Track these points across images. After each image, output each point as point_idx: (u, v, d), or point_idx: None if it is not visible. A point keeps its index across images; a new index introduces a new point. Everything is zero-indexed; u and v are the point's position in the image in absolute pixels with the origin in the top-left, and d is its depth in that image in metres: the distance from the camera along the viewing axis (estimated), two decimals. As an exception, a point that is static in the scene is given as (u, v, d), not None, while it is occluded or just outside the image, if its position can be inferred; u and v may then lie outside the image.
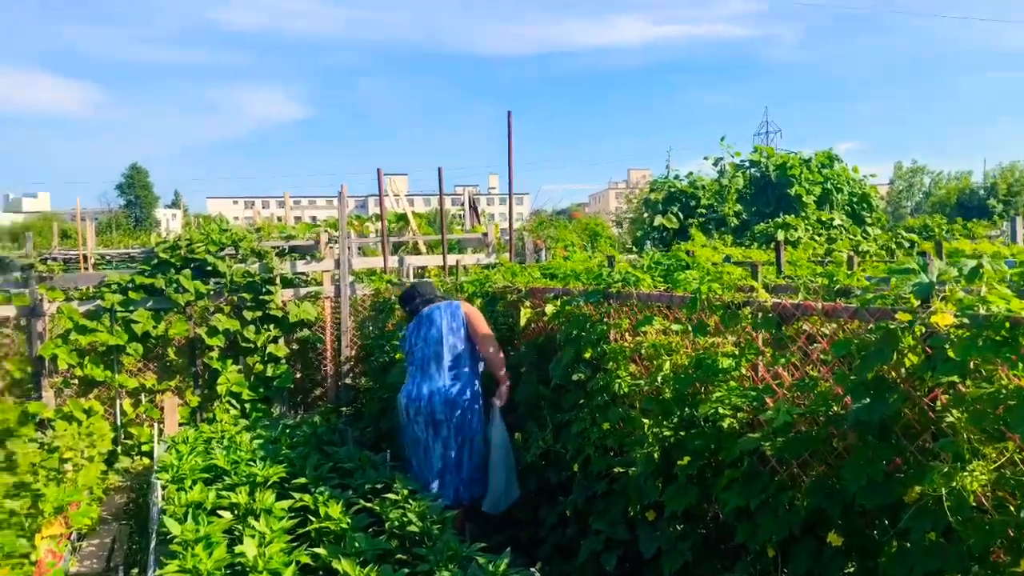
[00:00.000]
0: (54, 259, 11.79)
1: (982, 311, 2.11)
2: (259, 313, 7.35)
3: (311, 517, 3.93)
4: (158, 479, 4.55)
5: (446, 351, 4.82)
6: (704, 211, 15.77)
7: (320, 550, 3.46)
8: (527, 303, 4.83)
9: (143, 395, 7.18)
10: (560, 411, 4.30)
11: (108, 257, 12.40)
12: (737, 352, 3.17)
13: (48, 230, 20.94)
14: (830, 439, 2.67)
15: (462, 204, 14.30)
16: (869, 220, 15.74)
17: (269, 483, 4.35)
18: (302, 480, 4.34)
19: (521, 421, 4.66)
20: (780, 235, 13.13)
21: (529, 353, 4.73)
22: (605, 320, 4.05)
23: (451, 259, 7.93)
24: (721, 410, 3.07)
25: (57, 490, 4.62)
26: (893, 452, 2.37)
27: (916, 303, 2.33)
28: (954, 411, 2.16)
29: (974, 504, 2.09)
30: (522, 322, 4.76)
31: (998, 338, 2.04)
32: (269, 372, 7.33)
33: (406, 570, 3.26)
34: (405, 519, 3.86)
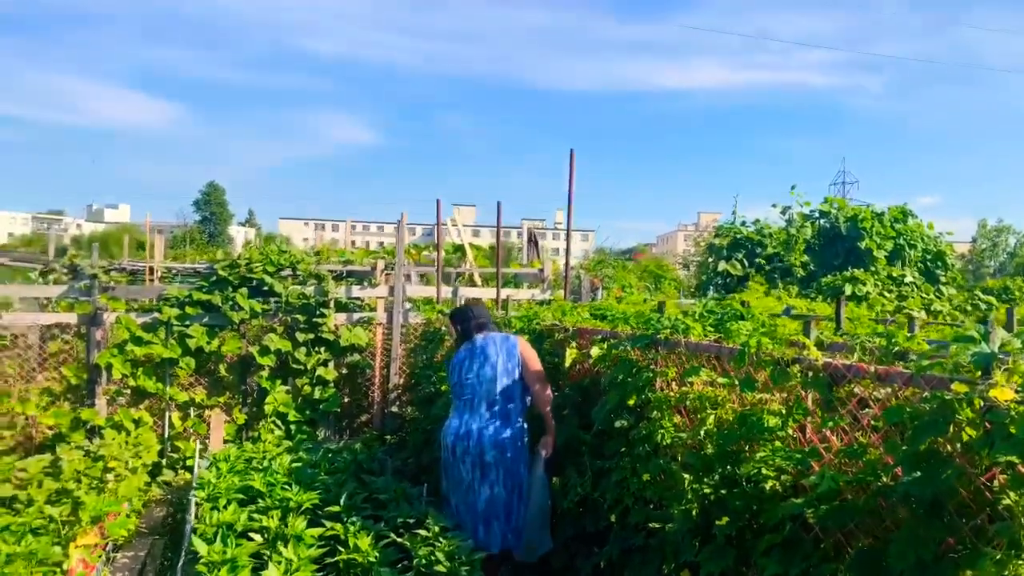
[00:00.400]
0: (123, 270, 12.18)
1: (1049, 387, 1.95)
2: (311, 335, 7.41)
3: (340, 547, 3.87)
4: (194, 496, 4.57)
5: (499, 391, 4.61)
6: (767, 259, 15.45)
7: (342, 583, 3.40)
8: (573, 343, 4.73)
9: (192, 409, 7.28)
10: (600, 457, 4.17)
11: (175, 271, 12.72)
12: (784, 411, 3.02)
13: (130, 241, 21.65)
14: (878, 511, 2.50)
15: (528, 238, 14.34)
16: (944, 279, 15.21)
17: (302, 509, 4.32)
18: (335, 508, 4.30)
19: (560, 464, 4.54)
20: (848, 289, 12.76)
21: (573, 395, 4.62)
22: (652, 367, 3.93)
23: (504, 293, 7.89)
24: (764, 470, 2.92)
25: (97, 499, 4.66)
26: (945, 531, 2.19)
27: (977, 373, 2.17)
28: (1012, 493, 1.99)
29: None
30: (567, 363, 4.66)
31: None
32: (317, 395, 7.36)
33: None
34: (433, 558, 3.78)
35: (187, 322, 7.17)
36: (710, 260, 17.08)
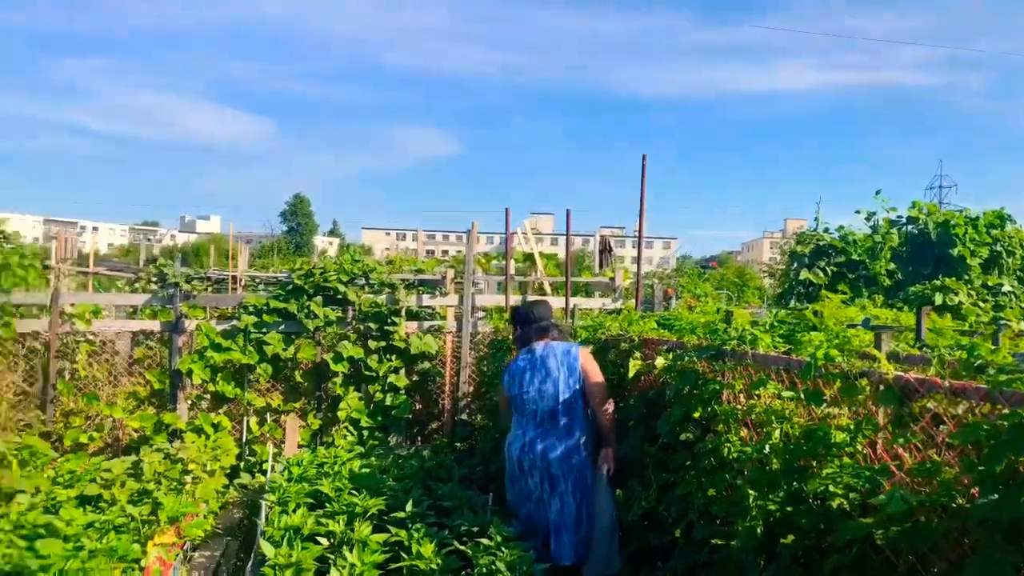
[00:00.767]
0: (208, 278, 12.63)
1: None
2: (383, 343, 7.52)
3: (403, 553, 3.90)
4: (264, 499, 4.67)
5: (561, 407, 4.54)
6: (851, 267, 14.93)
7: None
8: (638, 354, 4.65)
9: (269, 414, 7.47)
10: (665, 471, 4.08)
11: (258, 279, 13.12)
12: (853, 426, 2.89)
13: (217, 250, 22.42)
14: (954, 534, 2.37)
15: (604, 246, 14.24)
16: (1047, 289, 14.38)
17: (368, 514, 4.37)
18: (400, 514, 4.33)
19: (623, 477, 4.48)
20: (937, 299, 12.22)
21: (638, 406, 4.55)
22: (718, 379, 3.83)
23: (573, 301, 7.84)
24: (832, 488, 2.80)
25: (175, 500, 4.81)
26: (1023, 557, 2.06)
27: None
28: (1096, 521, 1.85)
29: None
30: (631, 373, 4.59)
31: None
32: (388, 401, 7.46)
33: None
34: (494, 567, 3.76)
35: (264, 329, 7.37)
36: (792, 268, 16.62)
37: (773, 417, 3.28)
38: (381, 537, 3.98)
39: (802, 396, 3.10)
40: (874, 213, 15.89)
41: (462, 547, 3.93)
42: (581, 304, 8.03)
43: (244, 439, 7.31)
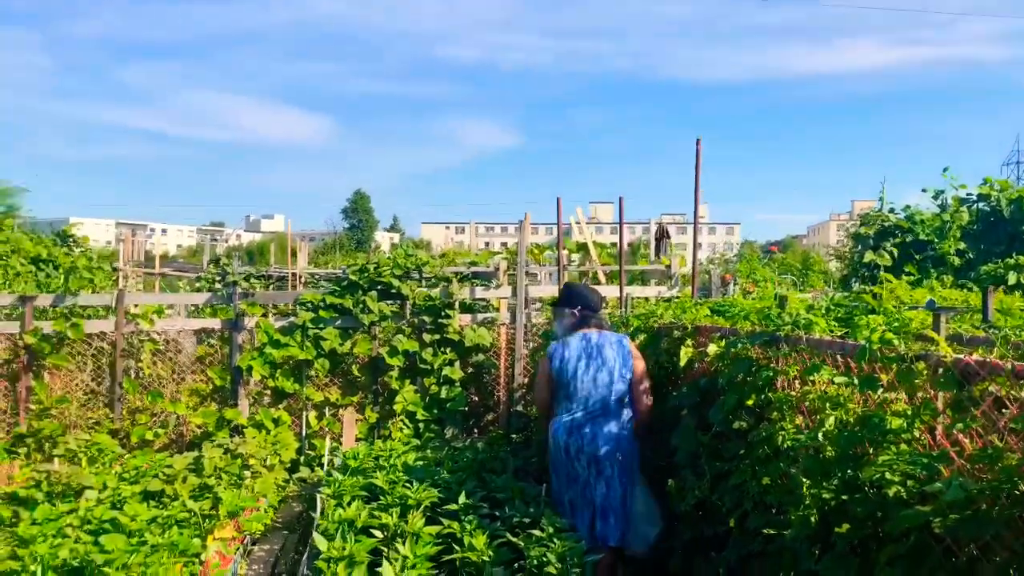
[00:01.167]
0: (269, 276, 12.90)
1: None
2: (437, 336, 7.56)
3: (456, 545, 3.91)
4: (319, 493, 4.74)
5: (613, 396, 4.65)
6: (918, 248, 14.42)
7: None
8: (690, 341, 4.57)
9: (327, 409, 7.58)
10: (719, 459, 4.00)
11: (317, 276, 13.36)
12: (910, 412, 2.78)
13: (279, 248, 22.92)
14: (1017, 522, 2.25)
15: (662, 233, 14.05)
16: None
17: (421, 506, 4.39)
18: (453, 506, 4.34)
19: (675, 467, 4.41)
20: (1012, 278, 11.72)
21: (691, 394, 4.46)
22: (772, 365, 3.74)
23: (628, 290, 7.75)
24: (888, 475, 2.70)
25: (234, 494, 4.92)
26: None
27: None
28: None
29: None
30: (682, 362, 4.51)
31: None
32: (444, 394, 7.50)
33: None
34: (545, 559, 3.75)
35: (321, 325, 7.48)
36: (856, 250, 16.15)
37: (827, 404, 3.18)
38: (434, 529, 4.00)
39: (855, 381, 2.99)
40: (942, 191, 15.30)
41: (514, 539, 3.92)
42: (635, 292, 7.94)
43: (304, 433, 7.44)
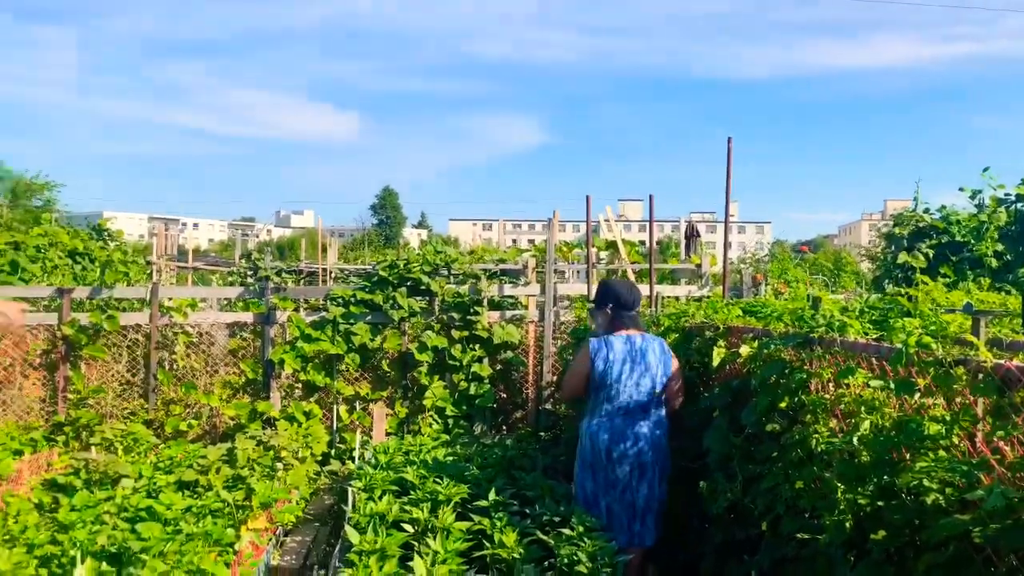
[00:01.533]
0: (300, 271, 13.02)
1: None
2: (466, 333, 7.59)
3: (486, 542, 3.93)
4: (351, 486, 4.78)
5: (654, 400, 4.65)
6: (954, 249, 14.18)
7: (485, 578, 3.44)
8: (722, 342, 4.55)
9: (357, 403, 7.65)
10: (751, 462, 3.98)
11: (347, 271, 13.44)
12: (949, 417, 2.75)
13: (309, 244, 23.10)
14: (1060, 533, 2.22)
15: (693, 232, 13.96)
16: None
17: (451, 502, 4.42)
18: (483, 503, 4.36)
19: (707, 468, 4.39)
20: (1050, 280, 11.51)
21: (723, 396, 4.44)
22: (805, 367, 3.71)
23: (658, 289, 7.72)
24: (926, 482, 2.67)
25: (267, 486, 4.98)
26: None
27: None
28: None
29: None
30: (715, 362, 4.49)
31: None
32: (472, 390, 7.53)
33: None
34: (575, 557, 3.75)
35: (352, 320, 7.54)
36: (889, 251, 15.93)
37: (862, 407, 3.14)
38: (464, 525, 4.02)
39: (891, 385, 2.96)
40: (979, 191, 15.01)
41: (544, 537, 3.93)
42: (665, 291, 7.90)
43: (334, 427, 7.51)
